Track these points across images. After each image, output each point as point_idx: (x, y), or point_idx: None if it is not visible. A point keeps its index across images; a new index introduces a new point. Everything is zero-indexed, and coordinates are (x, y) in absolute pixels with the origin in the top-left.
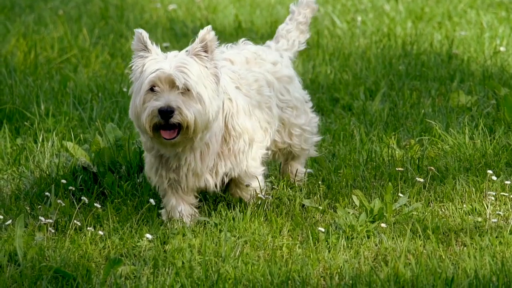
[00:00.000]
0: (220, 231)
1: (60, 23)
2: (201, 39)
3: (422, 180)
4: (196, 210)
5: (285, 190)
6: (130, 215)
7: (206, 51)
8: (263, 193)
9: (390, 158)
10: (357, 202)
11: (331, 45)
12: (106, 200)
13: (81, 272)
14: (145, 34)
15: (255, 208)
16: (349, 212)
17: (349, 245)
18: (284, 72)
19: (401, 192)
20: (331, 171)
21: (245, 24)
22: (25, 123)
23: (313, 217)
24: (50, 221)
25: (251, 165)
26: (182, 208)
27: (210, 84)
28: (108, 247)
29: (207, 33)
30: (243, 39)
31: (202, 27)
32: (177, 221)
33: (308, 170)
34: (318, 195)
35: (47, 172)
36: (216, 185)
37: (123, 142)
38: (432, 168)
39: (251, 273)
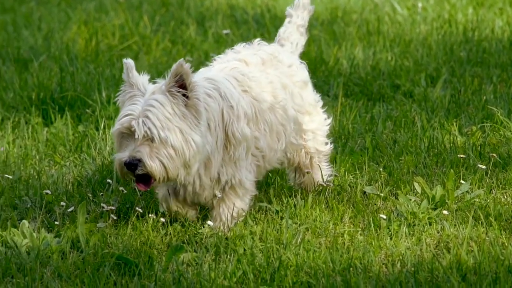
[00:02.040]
0: (282, 218)
1: (121, 10)
2: (174, 74)
3: (484, 167)
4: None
5: (346, 176)
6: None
7: (182, 86)
8: (240, 219)
9: (451, 144)
10: (418, 189)
11: (392, 32)
12: None
13: (143, 259)
14: (130, 65)
15: (316, 195)
16: (410, 199)
17: (411, 232)
18: (300, 76)
19: (463, 179)
20: (392, 158)
21: None
22: (87, 110)
23: (375, 204)
24: (112, 208)
25: (246, 175)
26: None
27: (184, 121)
28: (170, 234)
29: (179, 67)
30: (258, 39)
31: (262, 14)
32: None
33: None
34: (379, 182)
35: (108, 159)
36: (217, 194)
37: None
38: (494, 154)
39: (313, 260)
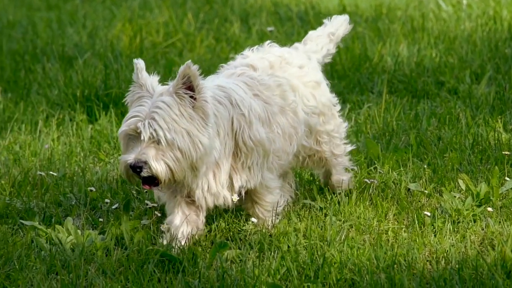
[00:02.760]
0: (326, 215)
1: (165, 8)
2: (181, 75)
3: None
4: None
5: (390, 173)
6: None
7: (190, 87)
8: (279, 209)
9: (496, 141)
10: (463, 186)
11: (437, 29)
12: None
13: (187, 255)
14: (140, 66)
15: (360, 193)
16: (455, 196)
17: (455, 229)
18: (311, 76)
19: (508, 176)
20: (436, 155)
21: (350, 8)
22: None
23: (419, 201)
24: (156, 205)
25: (267, 177)
26: (185, 229)
27: (191, 123)
28: (214, 230)
29: (187, 68)
30: (268, 41)
31: (306, 11)
32: (177, 240)
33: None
34: (423, 179)
35: None
36: (233, 200)
37: None
38: None
39: (357, 257)
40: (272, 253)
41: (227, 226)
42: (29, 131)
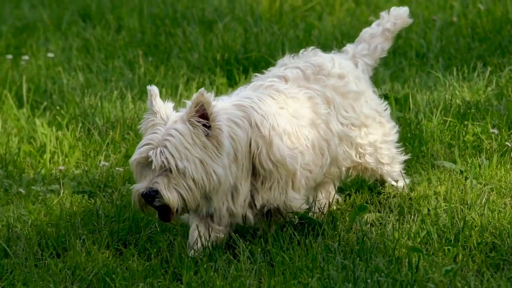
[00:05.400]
0: (466, 178)
1: None
2: (194, 103)
3: None
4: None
5: None
6: None
7: (203, 115)
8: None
9: None
10: None
11: None
12: None
13: (326, 218)
14: (154, 93)
15: (501, 156)
16: None
17: None
18: (350, 87)
19: None
20: None
21: None
22: None
23: None
24: None
25: (291, 196)
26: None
27: (205, 152)
28: (354, 193)
29: (200, 96)
30: (312, 47)
31: None
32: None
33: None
34: None
35: None
36: (255, 217)
37: None
38: None
39: (498, 220)
40: (412, 216)
41: (367, 190)
42: (169, 95)
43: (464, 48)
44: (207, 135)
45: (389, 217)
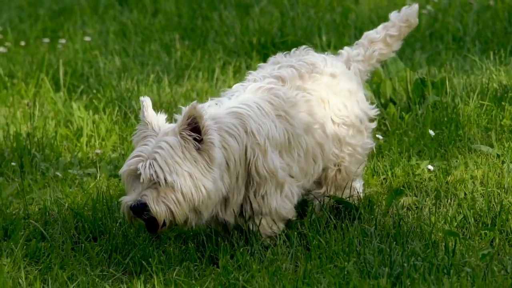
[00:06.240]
0: (503, 162)
1: None
2: (186, 116)
3: None
4: None
5: None
6: (412, 146)
7: (195, 129)
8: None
9: None
10: None
11: None
12: (387, 131)
13: (363, 202)
14: (146, 104)
15: None
16: None
17: None
18: (343, 85)
19: None
20: None
21: None
22: None
23: None
24: None
25: (281, 205)
26: None
27: (195, 166)
28: (391, 177)
29: (192, 109)
30: (304, 46)
31: None
32: None
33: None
34: None
35: None
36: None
37: (404, 74)
38: None
39: None
40: (449, 200)
41: (403, 173)
42: (206, 79)
43: (500, 32)
44: (198, 149)
45: (425, 201)
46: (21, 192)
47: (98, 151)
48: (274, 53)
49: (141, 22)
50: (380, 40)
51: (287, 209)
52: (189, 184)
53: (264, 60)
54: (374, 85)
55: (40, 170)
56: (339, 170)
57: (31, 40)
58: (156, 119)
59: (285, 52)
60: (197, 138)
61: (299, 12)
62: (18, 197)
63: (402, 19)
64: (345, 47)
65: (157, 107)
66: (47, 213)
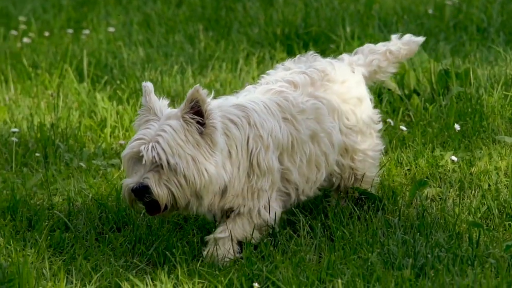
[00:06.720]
0: None
1: None
2: (189, 100)
3: None
4: None
5: None
6: (436, 137)
7: (198, 112)
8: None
9: None
10: None
11: None
12: (411, 122)
13: (386, 193)
14: (148, 89)
15: None
16: None
17: None
18: (353, 92)
19: None
20: None
21: None
22: (331, 45)
23: None
24: None
25: (270, 205)
26: None
27: (198, 150)
28: (415, 168)
29: (195, 92)
30: (311, 52)
31: None
32: None
33: None
34: None
35: None
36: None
37: (427, 65)
38: None
39: None
40: (473, 191)
41: (427, 164)
42: (229, 70)
43: None
44: (200, 133)
45: (449, 192)
46: (45, 182)
47: (122, 141)
48: (298, 44)
49: (165, 12)
50: (380, 53)
51: (272, 211)
52: (191, 168)
53: (288, 51)
54: (398, 76)
55: (64, 160)
56: (356, 179)
57: (55, 31)
58: (158, 104)
59: (293, 59)
60: (200, 121)
61: (323, 2)
62: (42, 188)
63: (403, 42)
64: (344, 54)
65: (180, 97)
66: (71, 204)
